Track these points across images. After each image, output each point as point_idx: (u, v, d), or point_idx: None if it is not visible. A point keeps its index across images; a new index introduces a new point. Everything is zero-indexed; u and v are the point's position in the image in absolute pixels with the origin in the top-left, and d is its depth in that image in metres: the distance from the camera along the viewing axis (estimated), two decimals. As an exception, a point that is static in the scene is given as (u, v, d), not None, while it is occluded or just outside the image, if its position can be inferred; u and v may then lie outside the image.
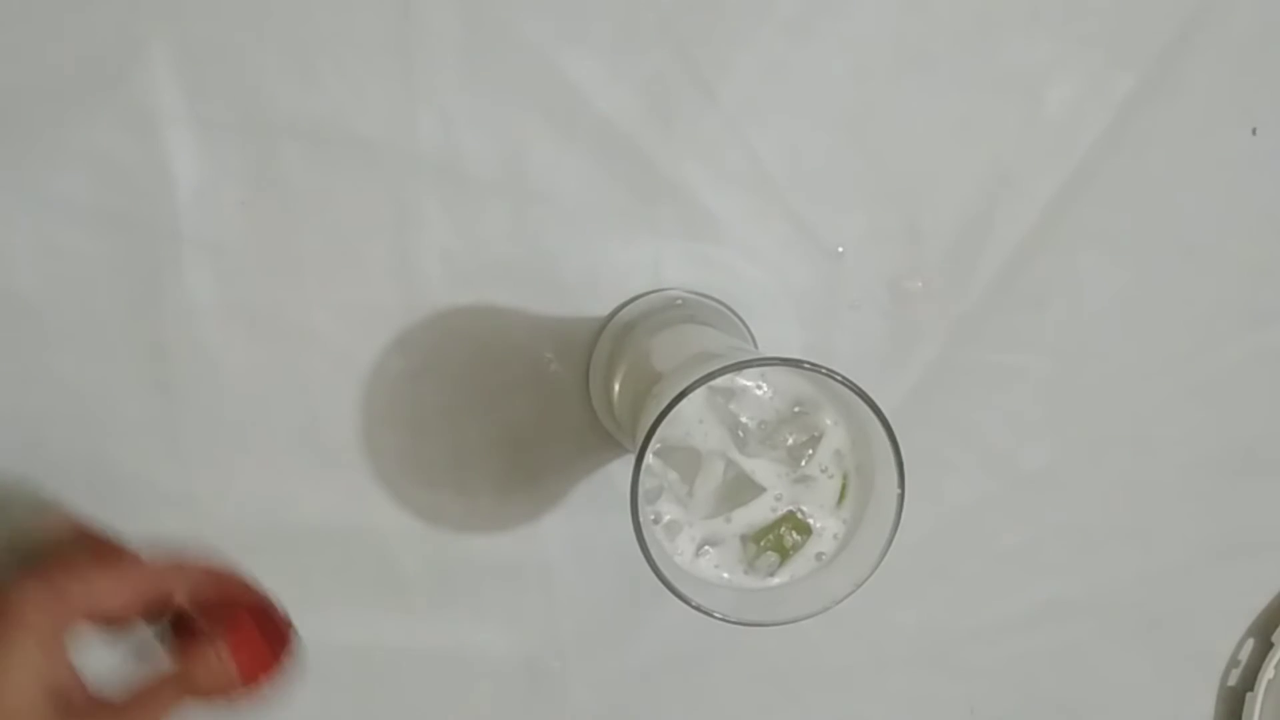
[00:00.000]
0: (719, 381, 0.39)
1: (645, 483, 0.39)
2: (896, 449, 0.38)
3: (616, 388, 0.50)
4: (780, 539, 0.41)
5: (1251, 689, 0.59)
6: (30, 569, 0.40)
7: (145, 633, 0.44)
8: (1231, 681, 0.60)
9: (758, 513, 0.41)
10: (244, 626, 0.44)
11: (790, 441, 0.41)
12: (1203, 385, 0.57)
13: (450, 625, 0.56)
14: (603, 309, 0.53)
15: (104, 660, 0.43)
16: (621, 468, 0.55)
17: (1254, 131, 0.53)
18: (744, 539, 0.41)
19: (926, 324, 0.55)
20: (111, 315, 0.51)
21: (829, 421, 0.41)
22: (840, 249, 0.53)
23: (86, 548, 0.46)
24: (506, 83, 0.50)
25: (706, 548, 0.41)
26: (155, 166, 0.50)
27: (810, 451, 0.41)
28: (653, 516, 0.41)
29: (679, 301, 0.52)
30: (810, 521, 0.41)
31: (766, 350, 0.53)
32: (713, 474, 0.40)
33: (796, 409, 0.41)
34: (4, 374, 0.52)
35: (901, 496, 0.38)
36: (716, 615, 0.38)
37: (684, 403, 0.37)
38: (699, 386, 0.37)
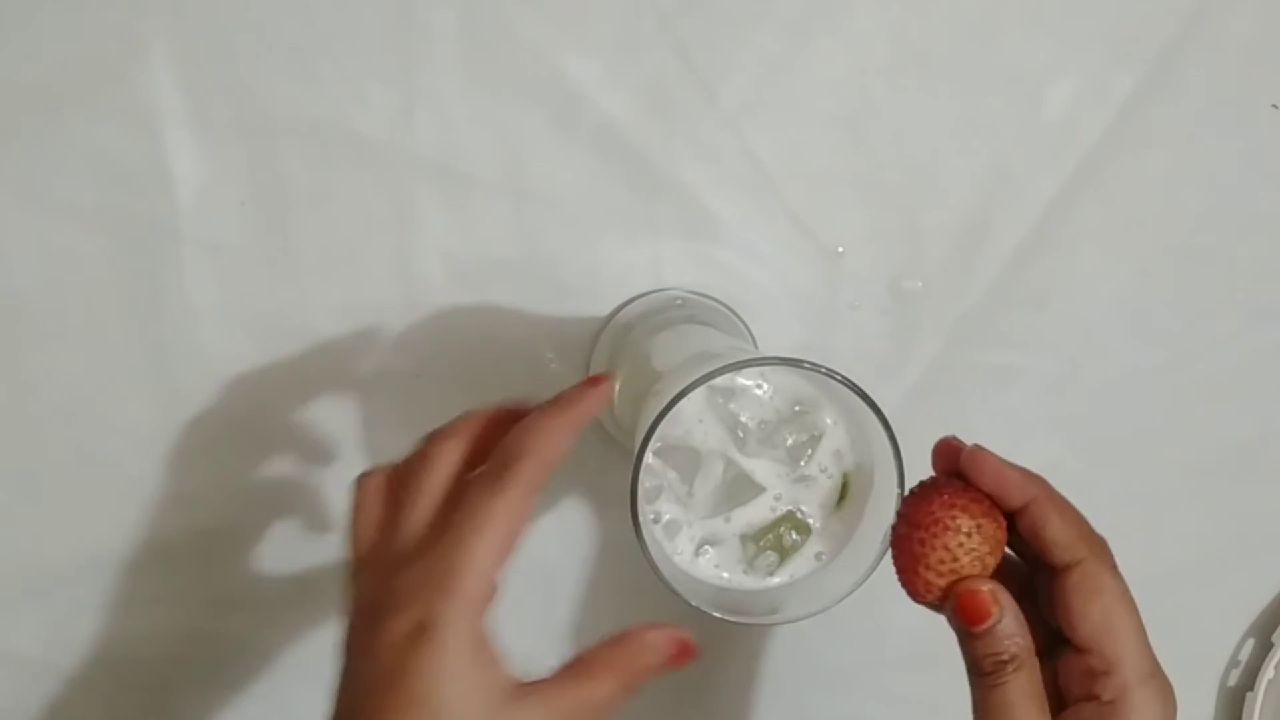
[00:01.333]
0: (719, 381, 0.39)
1: (645, 482, 0.39)
2: (896, 449, 0.38)
3: (616, 388, 0.50)
4: (780, 539, 0.41)
5: (1251, 689, 0.59)
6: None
7: None
8: (1231, 681, 0.60)
9: (757, 512, 0.41)
10: None
11: (790, 441, 0.41)
12: (1203, 385, 0.57)
13: (450, 625, 0.56)
14: (603, 309, 0.53)
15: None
16: (621, 467, 0.55)
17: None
18: (743, 539, 0.41)
19: (926, 324, 0.55)
20: (111, 315, 0.51)
21: (829, 421, 0.41)
22: (840, 249, 0.53)
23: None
24: (506, 83, 0.50)
25: (706, 547, 0.41)
26: (155, 166, 0.50)
27: (810, 451, 0.41)
28: (652, 516, 0.41)
29: (679, 301, 0.52)
30: (810, 521, 0.41)
31: (766, 350, 0.53)
32: (712, 474, 0.40)
33: (796, 409, 0.41)
34: (4, 374, 0.52)
35: (901, 496, 0.38)
36: (716, 615, 0.38)
37: (684, 402, 0.37)
38: (699, 386, 0.37)
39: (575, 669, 0.37)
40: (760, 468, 0.41)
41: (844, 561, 0.41)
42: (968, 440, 0.39)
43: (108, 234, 0.50)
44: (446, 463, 0.39)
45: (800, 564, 0.41)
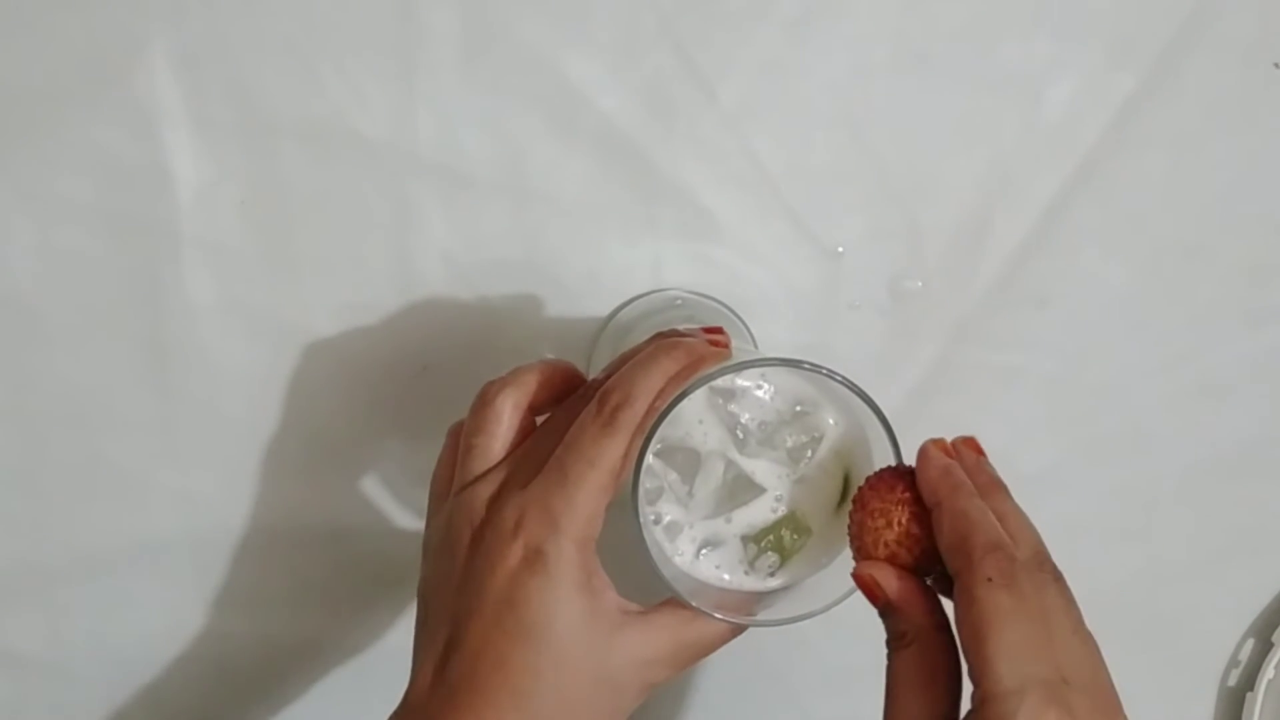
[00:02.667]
0: (719, 382, 0.39)
1: (645, 483, 0.39)
2: (896, 449, 0.38)
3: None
4: (780, 540, 0.40)
5: (1251, 689, 0.59)
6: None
7: None
8: (1231, 681, 0.60)
9: (758, 513, 0.41)
10: None
11: (790, 442, 0.41)
12: (1203, 385, 0.57)
13: (450, 625, 0.56)
14: (603, 309, 0.53)
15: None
16: (621, 468, 0.55)
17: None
18: (744, 540, 0.41)
19: (926, 324, 0.55)
20: (111, 315, 0.51)
21: (830, 421, 0.41)
22: (840, 249, 0.53)
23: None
24: (506, 83, 0.50)
25: (707, 549, 0.41)
26: (155, 166, 0.50)
27: (810, 452, 0.41)
28: (653, 517, 0.41)
29: (679, 301, 0.52)
30: (810, 522, 0.41)
31: (766, 350, 0.53)
32: (713, 475, 0.40)
33: (797, 409, 0.41)
34: (4, 374, 0.52)
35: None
36: (717, 616, 0.38)
37: (684, 404, 0.37)
38: (699, 387, 0.37)
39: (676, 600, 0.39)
40: (761, 469, 0.41)
41: (844, 562, 0.41)
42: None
43: (108, 234, 0.50)
44: (517, 403, 0.41)
45: (801, 565, 0.41)
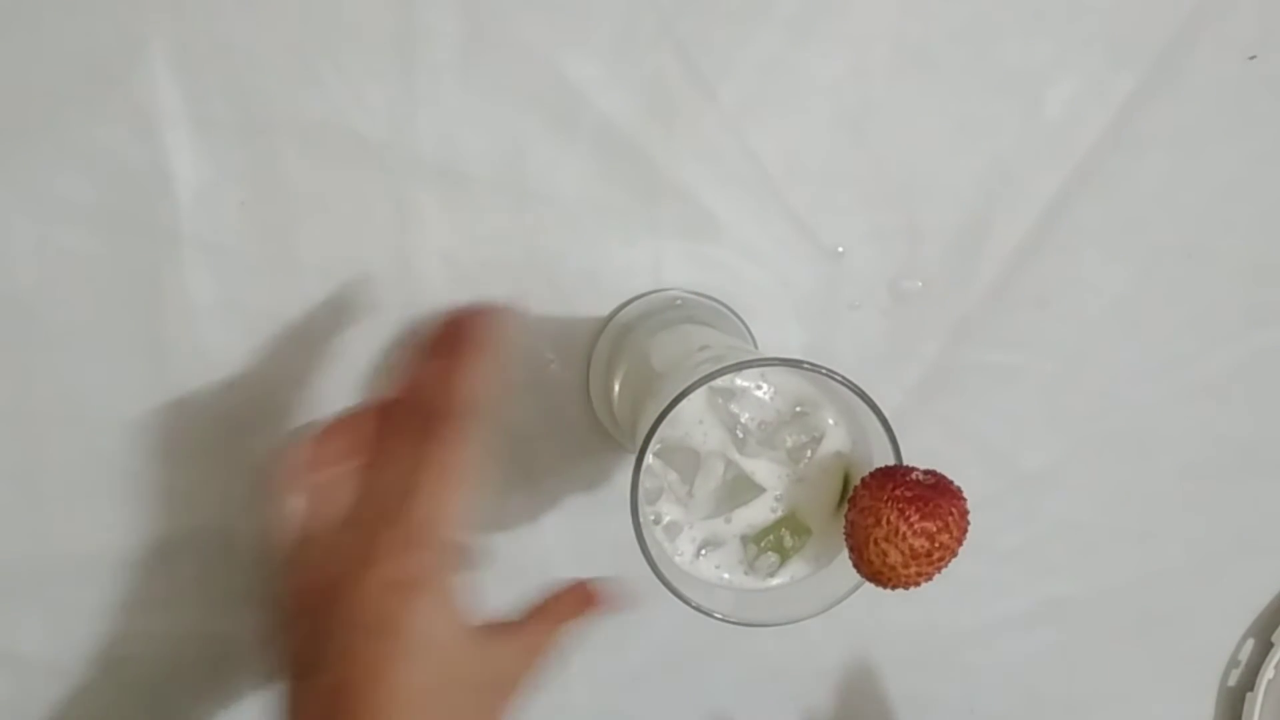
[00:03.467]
0: (719, 382, 0.39)
1: (645, 483, 0.40)
2: (896, 449, 0.38)
3: (616, 388, 0.50)
4: (780, 540, 0.41)
5: (1251, 689, 0.59)
6: None
7: None
8: (1231, 681, 0.60)
9: (757, 513, 0.41)
10: None
11: (790, 442, 0.41)
12: (1203, 385, 0.57)
13: (450, 625, 0.56)
14: (603, 309, 0.53)
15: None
16: (621, 468, 0.55)
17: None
18: (744, 540, 0.41)
19: (926, 324, 0.55)
20: (111, 315, 0.51)
21: (830, 422, 0.41)
22: (840, 249, 0.53)
23: None
24: (506, 83, 0.50)
25: (706, 548, 0.41)
26: (155, 166, 0.50)
27: (810, 452, 0.41)
28: (653, 517, 0.41)
29: (679, 301, 0.52)
30: (809, 522, 0.41)
31: (766, 350, 0.53)
32: (712, 474, 0.40)
33: (797, 409, 0.41)
34: (4, 374, 0.52)
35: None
36: (716, 615, 0.38)
37: (684, 403, 0.37)
38: (699, 387, 0.37)
39: (536, 615, 0.42)
40: (760, 469, 0.41)
41: (844, 562, 0.41)
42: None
43: (108, 234, 0.50)
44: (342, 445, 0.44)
45: (800, 565, 0.41)
